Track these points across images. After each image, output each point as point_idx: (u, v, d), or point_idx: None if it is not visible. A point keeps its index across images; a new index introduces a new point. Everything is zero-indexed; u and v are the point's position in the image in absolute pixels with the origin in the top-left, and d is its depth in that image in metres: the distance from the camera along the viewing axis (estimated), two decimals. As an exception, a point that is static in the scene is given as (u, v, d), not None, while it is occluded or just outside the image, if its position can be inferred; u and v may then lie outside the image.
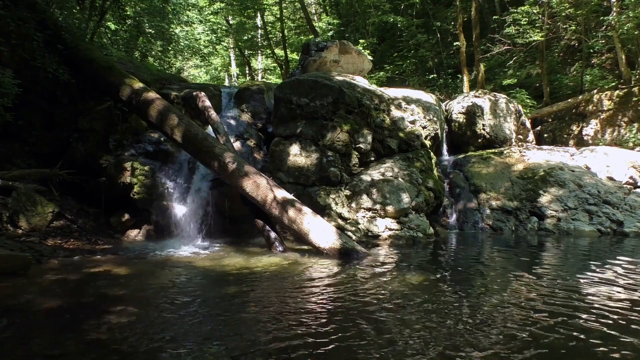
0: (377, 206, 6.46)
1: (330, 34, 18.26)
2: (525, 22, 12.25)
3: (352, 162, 7.12)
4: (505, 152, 9.02)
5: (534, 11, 12.19)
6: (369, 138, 7.29)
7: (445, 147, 9.76)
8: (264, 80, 20.73)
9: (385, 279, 3.92)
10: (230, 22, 21.69)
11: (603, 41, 12.12)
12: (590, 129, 11.19)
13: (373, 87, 8.64)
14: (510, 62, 14.00)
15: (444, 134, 9.65)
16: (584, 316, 2.78)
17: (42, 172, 6.49)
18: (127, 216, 6.58)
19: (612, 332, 2.51)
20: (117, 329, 2.61)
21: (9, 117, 5.79)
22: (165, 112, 6.27)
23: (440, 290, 3.56)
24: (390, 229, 6.31)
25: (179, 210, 6.50)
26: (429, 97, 8.93)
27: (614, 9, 10.87)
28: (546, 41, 12.54)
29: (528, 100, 12.41)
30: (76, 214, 6.42)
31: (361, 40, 15.77)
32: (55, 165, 6.61)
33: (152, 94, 6.61)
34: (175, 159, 6.98)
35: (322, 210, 6.40)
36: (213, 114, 6.72)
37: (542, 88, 12.81)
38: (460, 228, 7.68)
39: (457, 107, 10.06)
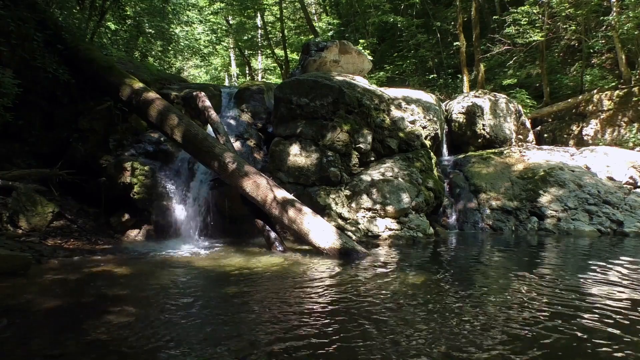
0: (377, 206, 6.46)
1: (330, 34, 18.26)
2: (525, 22, 12.25)
3: (352, 162, 7.11)
4: (505, 152, 9.02)
5: (534, 11, 12.19)
6: (369, 138, 7.29)
7: (445, 147, 9.75)
8: (264, 80, 20.73)
9: (386, 279, 3.91)
10: (230, 22, 21.69)
11: (603, 41, 12.12)
12: (590, 129, 11.19)
13: (373, 87, 8.64)
14: (510, 62, 13.99)
15: (444, 134, 9.65)
16: (587, 316, 2.78)
17: (42, 172, 6.49)
18: (127, 216, 6.57)
19: (615, 332, 2.50)
20: (117, 329, 2.60)
21: (9, 117, 5.78)
22: (165, 112, 6.27)
23: (441, 290, 3.55)
24: (390, 229, 6.31)
25: (179, 210, 6.50)
26: (429, 97, 8.92)
27: (614, 9, 10.87)
28: (546, 41, 12.54)
29: (528, 100, 12.41)
30: (76, 214, 6.41)
31: (361, 40, 15.77)
32: (55, 165, 6.61)
33: (152, 94, 6.61)
34: (175, 159, 6.97)
35: (322, 210, 6.40)
36: (213, 114, 6.71)
37: (542, 88, 12.81)
38: (460, 228, 7.68)
39: (457, 107, 10.06)
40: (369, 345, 2.33)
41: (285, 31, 19.63)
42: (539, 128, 12.26)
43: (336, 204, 6.57)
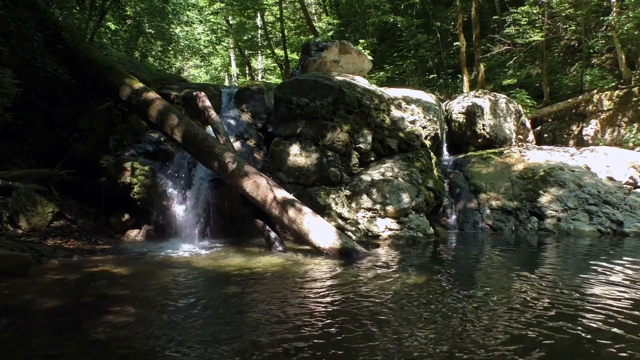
0: (377, 206, 6.45)
1: (330, 34, 18.26)
2: (525, 22, 12.25)
3: (352, 162, 7.11)
4: (505, 152, 9.02)
5: (534, 11, 12.19)
6: (369, 138, 7.28)
7: (445, 147, 9.75)
8: (264, 80, 20.72)
9: (387, 279, 3.90)
10: (230, 22, 21.68)
11: (603, 41, 12.12)
12: (590, 129, 11.19)
13: (373, 87, 8.64)
14: (510, 62, 13.99)
15: (444, 134, 9.65)
16: (589, 316, 2.77)
17: (42, 172, 6.47)
18: (127, 216, 6.56)
19: (619, 332, 2.50)
20: (117, 329, 2.60)
21: (9, 117, 5.77)
22: (165, 112, 6.26)
23: (443, 290, 3.55)
24: (390, 229, 6.30)
25: (179, 210, 6.49)
26: (429, 97, 8.92)
27: (614, 9, 10.87)
28: (546, 41, 12.54)
29: (528, 100, 12.41)
30: (76, 214, 6.40)
31: (361, 40, 15.76)
32: (55, 165, 6.59)
33: (152, 94, 6.60)
34: (175, 159, 6.96)
35: (322, 210, 6.39)
36: (213, 114, 6.70)
37: (542, 88, 12.81)
38: (460, 228, 7.67)
39: (457, 107, 10.05)
40: (371, 346, 2.33)
41: (285, 31, 19.62)
42: (539, 128, 12.26)
43: (336, 204, 6.57)
